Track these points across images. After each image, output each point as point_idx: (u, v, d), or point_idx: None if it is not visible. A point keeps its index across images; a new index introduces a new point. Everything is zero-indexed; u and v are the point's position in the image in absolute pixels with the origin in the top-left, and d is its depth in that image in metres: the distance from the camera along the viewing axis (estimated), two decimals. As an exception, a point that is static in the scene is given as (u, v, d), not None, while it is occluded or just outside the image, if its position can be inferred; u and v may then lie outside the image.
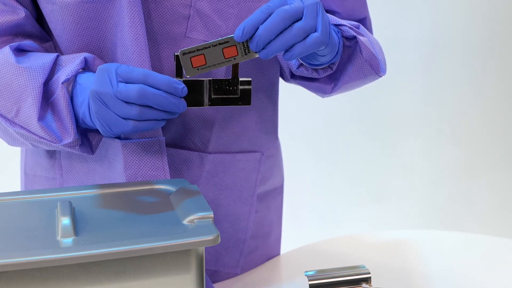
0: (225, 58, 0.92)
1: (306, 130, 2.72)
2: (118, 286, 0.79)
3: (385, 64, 1.08)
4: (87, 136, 1.03)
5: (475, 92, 2.77)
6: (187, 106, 0.94)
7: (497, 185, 2.83)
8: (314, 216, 2.74)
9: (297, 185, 2.73)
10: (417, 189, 2.81)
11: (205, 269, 1.12)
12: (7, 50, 1.00)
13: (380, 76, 1.08)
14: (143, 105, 0.91)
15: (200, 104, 0.95)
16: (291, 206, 2.68)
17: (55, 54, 1.01)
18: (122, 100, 0.91)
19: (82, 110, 0.98)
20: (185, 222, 0.83)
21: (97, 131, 1.03)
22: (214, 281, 1.18)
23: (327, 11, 1.10)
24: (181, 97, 0.92)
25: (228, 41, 0.91)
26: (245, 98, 0.96)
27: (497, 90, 2.77)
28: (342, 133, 2.76)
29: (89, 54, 1.02)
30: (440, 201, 2.82)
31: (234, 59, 0.92)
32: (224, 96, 0.96)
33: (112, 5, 1.00)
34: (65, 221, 0.80)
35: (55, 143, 0.99)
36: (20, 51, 1.03)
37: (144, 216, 0.86)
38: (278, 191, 1.26)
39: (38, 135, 0.99)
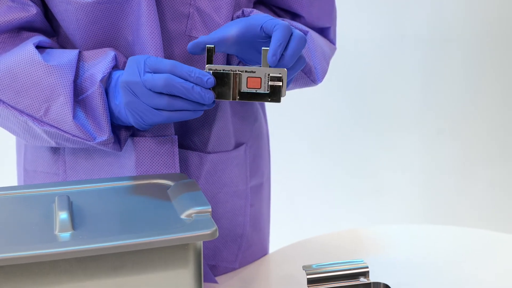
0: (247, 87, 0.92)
1: (305, 125, 2.72)
2: (116, 280, 0.79)
3: (323, 73, 1.11)
4: (116, 133, 1.02)
5: (473, 89, 2.77)
6: (216, 99, 0.92)
7: (494, 181, 2.83)
8: (313, 210, 2.74)
9: (296, 180, 2.73)
10: (415, 184, 2.81)
11: (204, 264, 1.12)
12: (31, 49, 0.99)
13: (316, 84, 1.11)
14: (172, 96, 0.91)
15: (228, 97, 0.93)
16: (289, 201, 2.69)
17: (76, 51, 1.01)
18: (151, 91, 0.91)
19: (118, 108, 0.98)
20: (183, 216, 0.83)
21: (125, 127, 1.03)
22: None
23: (293, 14, 1.14)
24: (209, 89, 0.92)
25: (254, 71, 0.92)
26: (275, 95, 0.92)
27: (496, 87, 2.77)
28: (340, 128, 2.76)
29: (113, 49, 1.01)
30: (438, 196, 2.82)
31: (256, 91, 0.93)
32: (253, 92, 0.93)
33: (129, 5, 1.00)
34: (63, 215, 0.80)
35: (88, 141, 0.98)
36: (38, 48, 1.01)
37: (142, 210, 0.86)
38: (266, 184, 1.27)
39: (71, 134, 0.98)
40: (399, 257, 1.24)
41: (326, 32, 1.17)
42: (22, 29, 1.03)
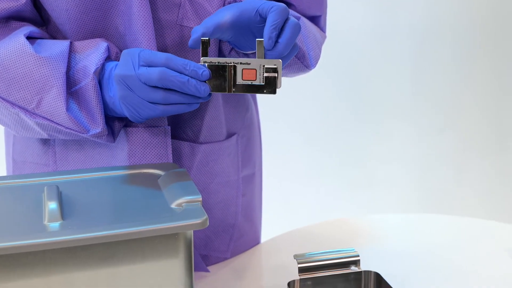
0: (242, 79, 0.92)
1: (298, 116, 2.71)
2: (106, 271, 0.78)
3: (316, 59, 1.10)
4: (109, 124, 1.02)
5: (467, 79, 2.77)
6: (211, 91, 0.92)
7: (489, 170, 2.84)
8: (306, 201, 2.74)
9: (289, 170, 2.73)
10: (409, 174, 2.81)
11: (196, 253, 1.12)
12: (22, 40, 0.98)
13: (309, 70, 1.10)
14: (168, 89, 0.90)
15: (224, 90, 0.92)
16: (282, 191, 2.69)
17: (67, 41, 1.00)
18: (146, 84, 0.90)
19: (112, 99, 0.97)
20: (173, 206, 0.83)
21: (118, 118, 1.02)
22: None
23: (284, 3, 1.12)
24: (205, 81, 0.91)
25: (249, 63, 0.91)
26: (270, 86, 0.91)
27: (490, 76, 2.77)
28: (334, 118, 2.76)
29: (104, 40, 1.01)
30: (432, 187, 2.83)
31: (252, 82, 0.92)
32: (248, 83, 0.92)
33: None
34: (52, 205, 0.80)
35: (82, 133, 0.98)
36: (29, 39, 1.00)
37: (132, 200, 0.86)
38: (258, 174, 1.27)
39: (64, 126, 0.98)
40: (391, 246, 1.24)
41: (316, 20, 1.16)
42: (10, 19, 1.02)
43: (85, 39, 1.02)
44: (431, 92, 2.77)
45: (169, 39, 1.04)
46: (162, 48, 1.04)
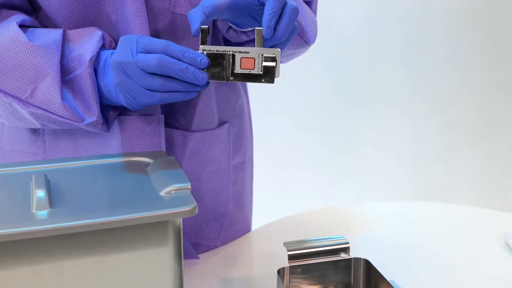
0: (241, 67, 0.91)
1: (291, 104, 2.71)
2: (94, 259, 0.78)
3: (314, 36, 1.10)
4: (103, 113, 1.01)
5: (459, 67, 2.77)
6: (210, 79, 0.91)
7: (479, 158, 2.85)
8: (298, 189, 2.75)
9: (283, 159, 2.73)
10: (400, 162, 2.82)
11: (186, 241, 1.12)
12: (15, 28, 0.97)
13: (309, 45, 1.10)
14: (166, 76, 0.89)
15: (222, 78, 0.92)
16: (274, 179, 2.69)
17: (60, 30, 0.99)
18: (143, 71, 0.89)
19: (107, 87, 0.96)
20: (162, 193, 0.83)
21: (113, 107, 1.02)
22: (195, 254, 1.18)
23: None
24: (203, 69, 0.90)
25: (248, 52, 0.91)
26: (268, 75, 0.91)
27: (481, 65, 2.78)
28: (326, 107, 2.75)
29: (98, 28, 1.00)
30: (422, 174, 2.84)
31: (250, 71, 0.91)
32: (246, 72, 0.91)
33: None
34: (40, 193, 0.79)
35: (77, 122, 0.97)
36: (21, 27, 0.99)
37: (121, 188, 0.86)
38: (249, 162, 1.27)
39: (59, 115, 0.97)
40: (382, 234, 1.24)
41: (309, 5, 1.16)
42: (1, 7, 1.02)
43: (76, 27, 1.01)
44: (423, 82, 2.77)
45: (161, 26, 1.03)
46: (154, 36, 1.03)
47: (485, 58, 2.77)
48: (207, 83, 0.91)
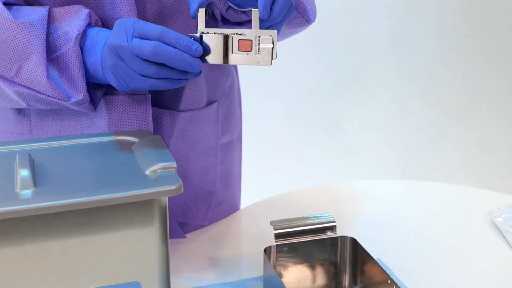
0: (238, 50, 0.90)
1: (279, 84, 2.71)
2: (80, 239, 0.78)
3: (315, 14, 1.09)
4: (90, 92, 0.99)
5: (446, 48, 2.77)
6: (208, 62, 0.90)
7: (466, 138, 2.86)
8: (286, 168, 2.75)
9: (271, 139, 2.73)
10: (386, 141, 2.83)
11: (173, 220, 1.12)
12: None
13: (310, 23, 1.09)
14: (159, 64, 0.88)
15: (219, 60, 0.90)
16: (262, 159, 2.69)
17: (46, 8, 0.97)
18: (138, 57, 0.88)
19: (94, 65, 0.95)
20: (147, 172, 0.82)
21: (99, 86, 1.00)
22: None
23: None
24: (197, 57, 0.89)
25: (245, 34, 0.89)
26: (265, 58, 0.89)
27: (469, 44, 2.78)
28: (313, 87, 2.75)
29: (85, 7, 0.98)
30: (409, 153, 2.84)
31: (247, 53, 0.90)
32: (243, 54, 0.90)
33: None
34: (24, 173, 0.78)
35: (63, 101, 0.96)
36: (5, 5, 0.97)
37: (106, 167, 0.85)
38: (237, 142, 1.26)
39: (45, 94, 0.95)
40: (369, 213, 1.25)
41: None
42: None
43: (62, 5, 1.00)
44: (411, 63, 2.77)
45: (149, 7, 1.02)
46: (141, 16, 1.02)
47: (473, 36, 2.77)
48: (200, 71, 0.90)
